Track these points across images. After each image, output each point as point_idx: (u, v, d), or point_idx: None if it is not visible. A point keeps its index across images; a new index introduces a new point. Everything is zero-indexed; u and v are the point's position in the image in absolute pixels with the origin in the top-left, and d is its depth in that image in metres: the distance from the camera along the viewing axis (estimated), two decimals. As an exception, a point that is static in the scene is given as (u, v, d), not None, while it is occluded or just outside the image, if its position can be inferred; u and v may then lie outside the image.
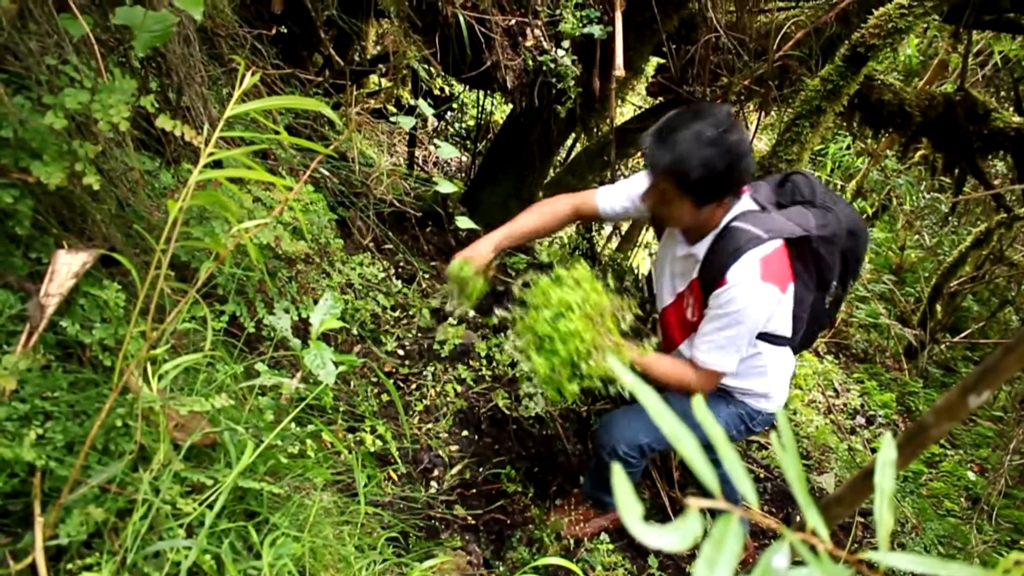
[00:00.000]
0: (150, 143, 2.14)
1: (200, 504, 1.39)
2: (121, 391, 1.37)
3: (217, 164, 2.00)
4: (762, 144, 6.58)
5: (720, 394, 2.52)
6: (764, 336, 2.37)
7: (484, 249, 2.37)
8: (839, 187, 7.02)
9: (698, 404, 0.65)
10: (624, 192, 2.52)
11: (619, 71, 2.98)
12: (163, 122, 1.44)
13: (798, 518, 3.41)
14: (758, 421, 2.54)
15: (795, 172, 2.59)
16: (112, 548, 1.28)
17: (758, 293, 2.17)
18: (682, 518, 0.53)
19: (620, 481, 0.53)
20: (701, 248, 2.29)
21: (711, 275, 2.24)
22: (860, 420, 5.25)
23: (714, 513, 0.56)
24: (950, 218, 6.87)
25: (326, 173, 2.72)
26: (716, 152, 2.01)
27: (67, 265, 1.51)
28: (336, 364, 1.70)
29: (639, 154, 5.45)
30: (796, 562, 0.61)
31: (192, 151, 2.19)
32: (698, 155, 2.01)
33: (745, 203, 2.29)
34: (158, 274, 1.30)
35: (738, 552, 0.54)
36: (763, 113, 3.92)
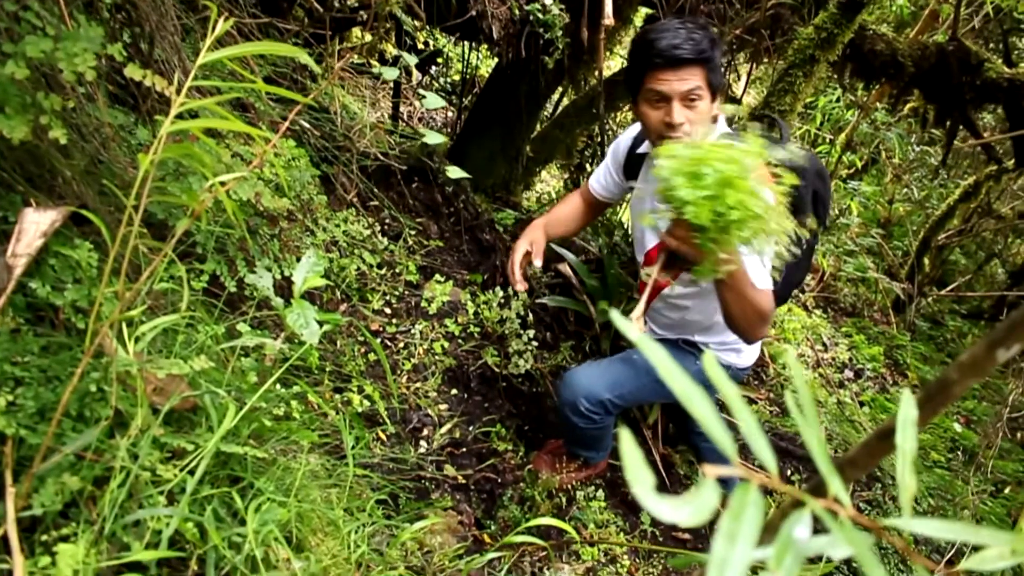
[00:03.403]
0: (125, 97, 2.06)
1: (181, 470, 1.34)
2: (96, 354, 1.32)
3: (194, 117, 1.93)
4: (750, 98, 6.49)
5: (688, 348, 2.48)
6: None
7: (537, 234, 2.54)
8: (828, 140, 6.95)
9: (709, 363, 0.60)
10: (604, 167, 2.63)
11: (608, 20, 2.90)
12: (132, 72, 1.36)
13: (790, 472, 3.41)
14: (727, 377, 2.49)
15: (763, 115, 2.56)
16: (89, 517, 1.23)
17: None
18: (697, 488, 0.48)
19: (629, 449, 0.48)
20: None
21: None
22: (848, 374, 5.26)
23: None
24: (940, 171, 6.84)
25: (308, 127, 2.64)
26: (712, 33, 2.13)
27: (35, 224, 1.44)
28: (320, 323, 1.65)
29: (627, 107, 5.37)
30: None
31: (168, 104, 2.11)
32: (708, 37, 2.10)
33: (723, 126, 2.32)
34: (130, 231, 1.24)
35: (759, 524, 0.49)
36: (755, 64, 3.84)
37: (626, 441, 0.49)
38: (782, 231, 1.74)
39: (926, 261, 6.65)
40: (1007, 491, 4.14)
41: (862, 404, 4.70)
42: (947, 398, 0.69)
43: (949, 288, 6.91)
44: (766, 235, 1.75)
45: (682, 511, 0.47)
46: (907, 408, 0.67)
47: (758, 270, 2.09)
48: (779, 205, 1.74)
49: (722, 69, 2.22)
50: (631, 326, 0.61)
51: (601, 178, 2.62)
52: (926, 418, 0.69)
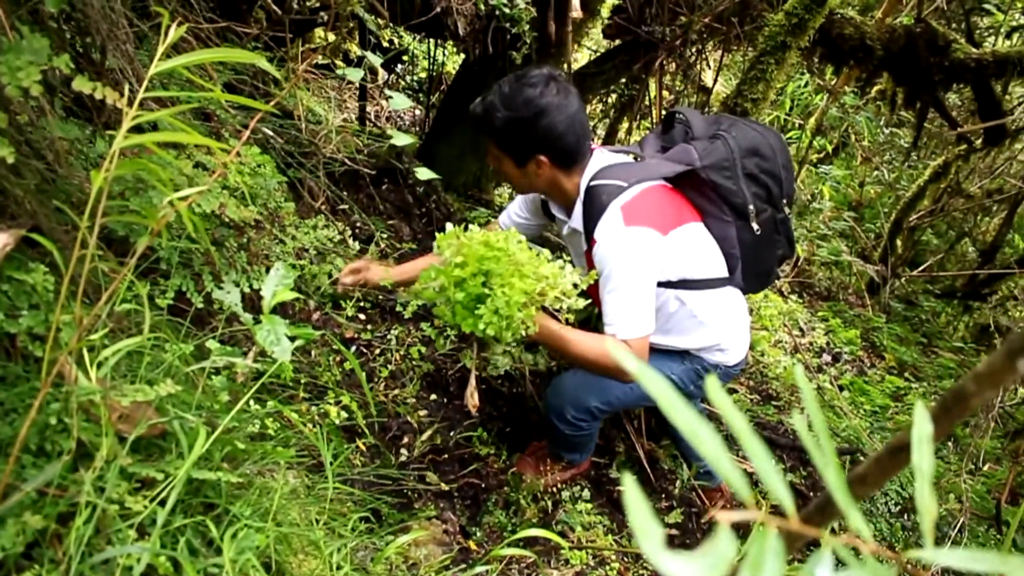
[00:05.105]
0: (80, 110, 1.98)
1: (151, 501, 1.28)
2: (55, 384, 1.25)
3: (153, 128, 1.85)
4: (719, 86, 6.47)
5: (673, 351, 2.45)
6: (685, 284, 2.29)
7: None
8: (797, 125, 6.96)
9: (713, 388, 0.55)
10: (515, 202, 2.66)
11: (576, 12, 2.86)
12: (81, 84, 1.29)
13: (773, 462, 3.39)
14: (718, 376, 2.45)
15: (675, 112, 2.50)
16: (55, 557, 1.17)
17: (625, 241, 2.13)
18: (711, 540, 0.44)
19: (635, 500, 0.43)
20: (577, 219, 2.29)
21: (590, 242, 2.23)
22: (827, 358, 5.26)
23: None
24: (911, 153, 6.87)
25: (271, 133, 2.57)
26: (512, 102, 2.10)
27: (-15, 248, 1.37)
28: (292, 338, 1.59)
29: (596, 99, 5.33)
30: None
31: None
32: (493, 105, 2.13)
33: (601, 160, 2.29)
34: (85, 253, 1.17)
35: (782, 572, 0.44)
36: (724, 52, 3.81)
37: (631, 489, 0.44)
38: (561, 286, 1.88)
39: (898, 242, 6.68)
40: (985, 468, 4.16)
41: (841, 388, 4.71)
42: (963, 410, 0.65)
43: (921, 268, 6.95)
44: (544, 298, 1.89)
45: (695, 566, 0.42)
46: (922, 423, 0.62)
47: (615, 313, 2.13)
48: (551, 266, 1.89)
49: (517, 134, 2.17)
50: (623, 355, 0.56)
51: (509, 211, 2.69)
52: (942, 432, 0.65)
